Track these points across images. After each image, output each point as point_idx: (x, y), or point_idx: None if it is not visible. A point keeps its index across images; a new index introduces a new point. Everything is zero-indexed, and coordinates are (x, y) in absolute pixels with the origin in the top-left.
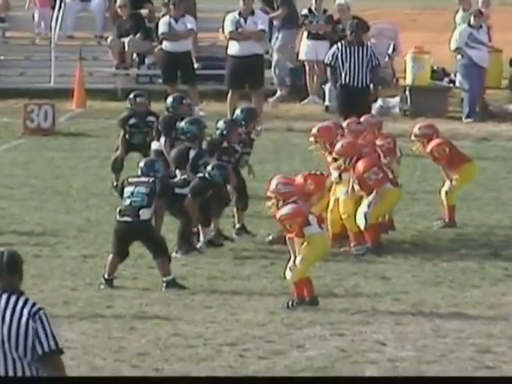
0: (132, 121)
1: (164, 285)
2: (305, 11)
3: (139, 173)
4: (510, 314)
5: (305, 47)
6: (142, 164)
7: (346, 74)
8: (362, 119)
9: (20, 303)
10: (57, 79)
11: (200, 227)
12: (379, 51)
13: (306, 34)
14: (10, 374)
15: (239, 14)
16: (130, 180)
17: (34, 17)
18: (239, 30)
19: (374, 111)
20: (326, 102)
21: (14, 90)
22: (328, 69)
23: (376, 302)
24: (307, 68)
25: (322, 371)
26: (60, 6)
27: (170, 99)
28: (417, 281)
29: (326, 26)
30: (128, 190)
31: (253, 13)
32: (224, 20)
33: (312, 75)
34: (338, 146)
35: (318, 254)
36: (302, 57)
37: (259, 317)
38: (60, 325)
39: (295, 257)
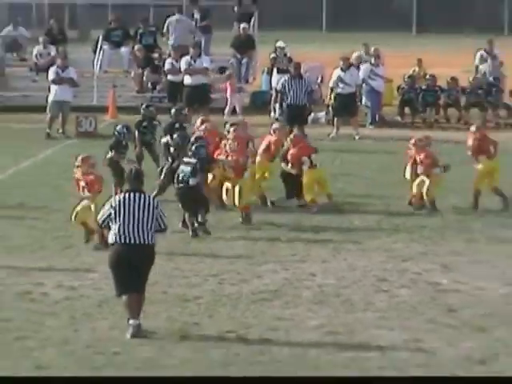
0: (144, 123)
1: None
2: (273, 55)
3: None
4: (400, 256)
5: (276, 79)
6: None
7: (291, 97)
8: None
9: (147, 198)
10: (98, 99)
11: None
12: (312, 81)
13: (275, 69)
14: (146, 239)
15: (191, 57)
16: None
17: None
18: (191, 67)
19: (309, 121)
20: (276, 115)
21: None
22: (278, 94)
23: (309, 247)
24: (274, 93)
25: (273, 293)
26: (100, 51)
27: (173, 110)
28: (335, 232)
29: (288, 64)
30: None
31: (200, 55)
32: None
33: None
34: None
35: None
36: (274, 85)
37: (232, 257)
38: None
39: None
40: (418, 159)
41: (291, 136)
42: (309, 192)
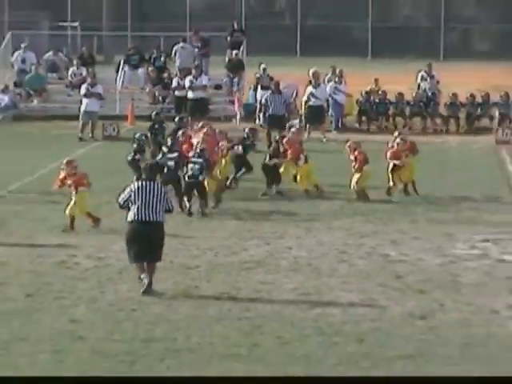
0: (156, 126)
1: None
2: (257, 75)
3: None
4: (358, 233)
5: (260, 94)
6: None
7: (272, 108)
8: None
9: (158, 184)
10: (120, 110)
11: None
12: (288, 96)
13: (260, 86)
14: (158, 217)
15: (193, 76)
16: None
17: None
18: (193, 84)
19: (286, 127)
20: (260, 122)
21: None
22: (262, 106)
23: (286, 226)
24: (258, 105)
25: (257, 263)
26: (121, 71)
27: (177, 118)
28: (307, 214)
29: (270, 82)
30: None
31: (200, 75)
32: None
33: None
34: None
35: None
36: (258, 98)
37: (225, 234)
38: None
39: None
40: (352, 158)
41: (285, 140)
42: (305, 182)
